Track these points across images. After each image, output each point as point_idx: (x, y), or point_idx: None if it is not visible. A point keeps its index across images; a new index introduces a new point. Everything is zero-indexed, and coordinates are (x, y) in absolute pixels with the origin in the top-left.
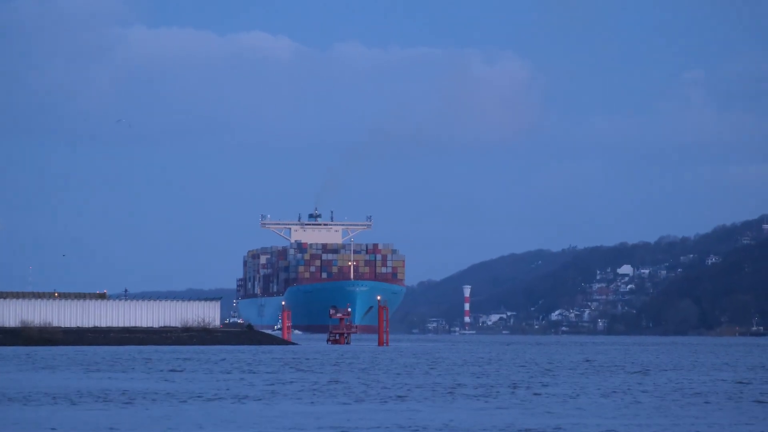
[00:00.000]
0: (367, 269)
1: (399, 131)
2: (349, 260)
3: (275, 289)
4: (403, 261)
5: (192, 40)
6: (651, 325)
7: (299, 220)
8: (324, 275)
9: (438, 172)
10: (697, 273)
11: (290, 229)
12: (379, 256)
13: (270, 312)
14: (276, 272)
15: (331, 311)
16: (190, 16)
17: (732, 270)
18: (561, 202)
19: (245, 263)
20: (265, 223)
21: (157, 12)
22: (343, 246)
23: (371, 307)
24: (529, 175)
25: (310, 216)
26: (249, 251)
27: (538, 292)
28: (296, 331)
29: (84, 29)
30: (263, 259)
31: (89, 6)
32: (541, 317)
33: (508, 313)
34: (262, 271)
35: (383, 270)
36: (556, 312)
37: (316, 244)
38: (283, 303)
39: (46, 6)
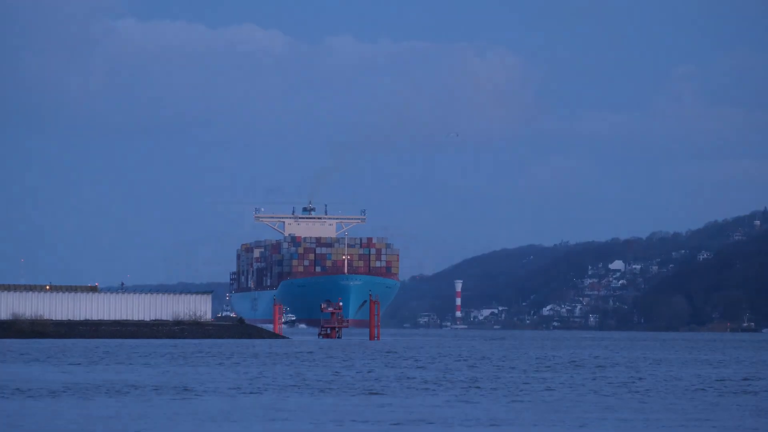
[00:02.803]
0: (361, 263)
1: (391, 125)
2: (343, 254)
3: (269, 283)
4: (398, 255)
5: (183, 33)
6: (642, 320)
7: (293, 214)
8: (318, 269)
9: (431, 167)
10: (688, 269)
11: (284, 222)
12: (373, 250)
13: (263, 306)
14: (269, 266)
15: (323, 305)
16: (182, 9)
17: (723, 266)
18: (553, 197)
19: (239, 257)
20: (258, 217)
21: (148, 5)
22: (337, 240)
23: (365, 302)
24: (521, 170)
25: (304, 210)
26: (242, 245)
27: (529, 287)
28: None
29: (75, 22)
30: (257, 253)
31: None
32: (532, 312)
33: (500, 308)
34: (255, 265)
35: (377, 264)
36: (548, 307)
37: (310, 237)
38: (275, 297)
39: None
